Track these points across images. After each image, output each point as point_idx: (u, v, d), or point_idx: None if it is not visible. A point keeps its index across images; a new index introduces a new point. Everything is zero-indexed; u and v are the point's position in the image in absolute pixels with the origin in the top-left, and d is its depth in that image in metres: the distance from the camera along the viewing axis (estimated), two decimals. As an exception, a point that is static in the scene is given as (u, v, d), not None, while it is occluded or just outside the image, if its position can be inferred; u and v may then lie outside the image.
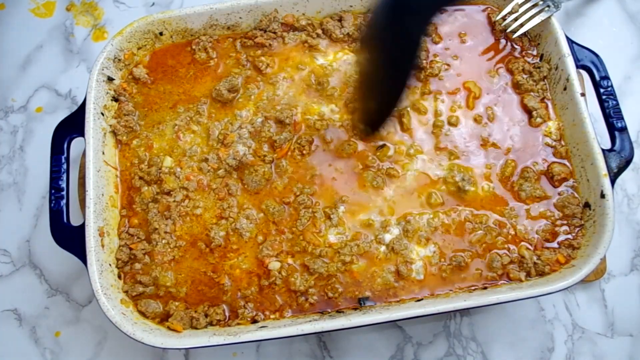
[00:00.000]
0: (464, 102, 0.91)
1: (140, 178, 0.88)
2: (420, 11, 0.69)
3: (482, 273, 0.83)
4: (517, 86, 0.92)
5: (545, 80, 0.91)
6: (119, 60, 0.92)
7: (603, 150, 0.82)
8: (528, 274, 0.82)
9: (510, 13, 0.93)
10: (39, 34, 1.14)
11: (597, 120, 0.87)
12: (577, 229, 0.84)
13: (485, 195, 0.86)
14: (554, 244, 0.84)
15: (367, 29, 0.74)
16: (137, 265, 0.83)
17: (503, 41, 0.95)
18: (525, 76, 0.91)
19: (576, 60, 0.86)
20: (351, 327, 0.75)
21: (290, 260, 0.84)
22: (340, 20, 0.95)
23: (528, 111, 0.90)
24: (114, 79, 0.91)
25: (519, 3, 0.92)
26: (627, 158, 0.82)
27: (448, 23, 0.96)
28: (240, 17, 0.94)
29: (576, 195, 0.85)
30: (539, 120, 0.89)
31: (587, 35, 1.10)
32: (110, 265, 0.82)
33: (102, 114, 0.88)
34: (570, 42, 0.88)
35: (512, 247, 0.84)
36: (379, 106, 0.81)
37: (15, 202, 1.03)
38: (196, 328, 0.80)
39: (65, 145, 0.85)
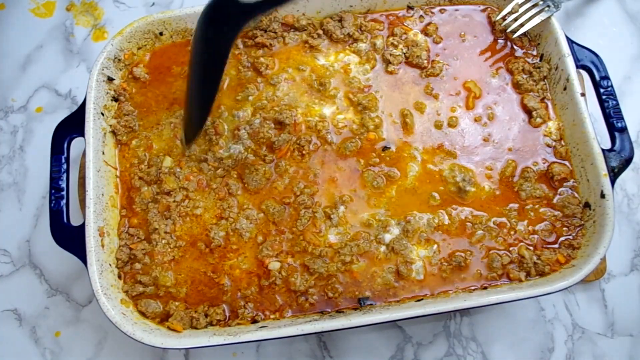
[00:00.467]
0: (464, 102, 0.92)
1: (140, 178, 0.88)
2: (230, 22, 0.72)
3: (482, 273, 0.83)
4: (517, 86, 0.92)
5: (545, 80, 0.91)
6: (119, 60, 0.92)
7: (603, 150, 0.82)
8: (528, 274, 0.82)
9: (510, 13, 0.93)
10: (39, 34, 1.14)
11: (597, 120, 0.87)
12: (577, 229, 0.84)
13: (486, 195, 0.86)
14: (554, 244, 0.84)
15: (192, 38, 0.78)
16: (137, 265, 0.83)
17: (503, 41, 0.95)
18: (525, 76, 0.91)
19: (576, 60, 0.87)
20: (351, 327, 0.75)
21: (290, 260, 0.84)
22: (340, 20, 0.95)
23: (528, 111, 0.90)
24: (114, 79, 0.91)
25: (519, 3, 0.92)
26: (627, 158, 0.82)
27: (448, 23, 0.96)
28: (240, 17, 0.94)
29: (576, 195, 0.85)
30: (539, 120, 0.89)
31: (587, 35, 1.10)
32: (110, 265, 0.82)
33: (102, 114, 0.88)
34: (570, 42, 0.88)
35: (512, 247, 0.84)
36: (190, 115, 0.84)
37: (15, 202, 1.03)
38: (196, 328, 0.80)
39: (65, 145, 0.85)
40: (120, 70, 0.93)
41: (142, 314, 0.81)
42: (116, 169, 0.89)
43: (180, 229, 0.86)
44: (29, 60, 1.13)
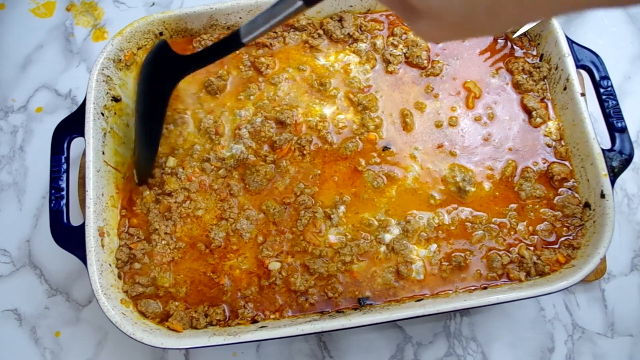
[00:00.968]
0: (464, 102, 0.92)
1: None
2: (169, 72, 0.81)
3: (482, 273, 0.83)
4: (517, 86, 0.92)
5: (545, 80, 0.91)
6: (120, 60, 0.92)
7: (603, 150, 0.82)
8: (528, 274, 0.82)
9: (510, 13, 0.93)
10: (39, 34, 1.14)
11: (597, 120, 0.87)
12: (577, 229, 0.84)
13: (486, 195, 0.86)
14: (554, 244, 0.84)
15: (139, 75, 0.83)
16: (137, 265, 0.83)
17: (503, 41, 0.95)
18: (525, 76, 0.91)
19: (576, 60, 0.87)
20: (351, 327, 0.75)
21: (290, 260, 0.84)
22: (340, 20, 0.95)
23: (528, 111, 0.90)
24: (114, 79, 0.91)
25: (519, 3, 0.92)
26: (627, 158, 0.82)
27: (448, 23, 0.96)
28: (240, 17, 0.94)
29: (576, 195, 0.85)
30: (539, 120, 0.89)
31: (587, 35, 1.10)
32: (110, 265, 0.82)
33: (102, 114, 0.88)
34: (570, 42, 0.88)
35: (512, 247, 0.84)
36: (139, 154, 0.86)
37: (15, 202, 1.03)
38: (196, 328, 0.80)
39: (65, 145, 0.85)
40: (120, 70, 0.93)
41: (142, 314, 0.81)
42: (116, 169, 0.89)
43: (181, 230, 0.86)
44: (29, 60, 1.13)
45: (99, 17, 1.16)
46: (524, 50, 0.94)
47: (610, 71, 0.85)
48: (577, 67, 0.86)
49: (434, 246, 0.84)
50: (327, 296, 0.82)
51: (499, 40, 0.95)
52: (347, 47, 0.95)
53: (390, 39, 0.95)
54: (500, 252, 0.83)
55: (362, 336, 0.93)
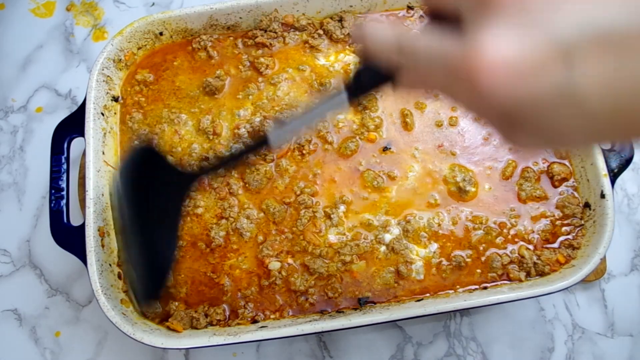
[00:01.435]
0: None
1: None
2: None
3: (482, 273, 0.83)
4: (517, 86, 0.91)
5: (545, 80, 0.91)
6: (120, 60, 0.92)
7: (603, 150, 0.82)
8: (528, 274, 0.82)
9: (510, 13, 0.93)
10: (39, 34, 1.14)
11: (597, 120, 0.87)
12: (577, 229, 0.84)
13: (486, 195, 0.86)
14: (554, 244, 0.84)
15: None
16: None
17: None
18: (525, 76, 0.91)
19: (576, 60, 0.86)
20: (351, 327, 0.75)
21: (290, 260, 0.84)
22: (340, 20, 0.95)
23: (528, 111, 0.90)
24: (114, 79, 0.91)
25: (519, 3, 0.92)
26: (627, 158, 0.82)
27: (448, 23, 0.96)
28: (240, 17, 0.94)
29: (576, 195, 0.85)
30: (539, 120, 0.89)
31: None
32: (110, 265, 0.82)
33: (102, 114, 0.88)
34: (570, 42, 0.87)
35: (512, 247, 0.84)
36: (141, 271, 0.70)
37: (15, 202, 1.03)
38: (196, 328, 0.80)
39: (65, 145, 0.85)
40: (121, 70, 0.93)
41: (143, 314, 0.81)
42: (116, 169, 0.89)
43: (181, 228, 0.85)
44: (29, 60, 1.13)
45: (99, 17, 1.15)
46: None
47: (610, 71, 0.85)
48: (577, 67, 0.86)
49: (434, 246, 0.84)
50: (327, 296, 0.82)
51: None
52: (347, 47, 0.95)
53: (390, 39, 0.95)
54: (500, 252, 0.83)
55: (362, 336, 0.93)
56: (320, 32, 0.95)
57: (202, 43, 0.94)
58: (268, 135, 0.60)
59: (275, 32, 0.95)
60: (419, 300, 0.81)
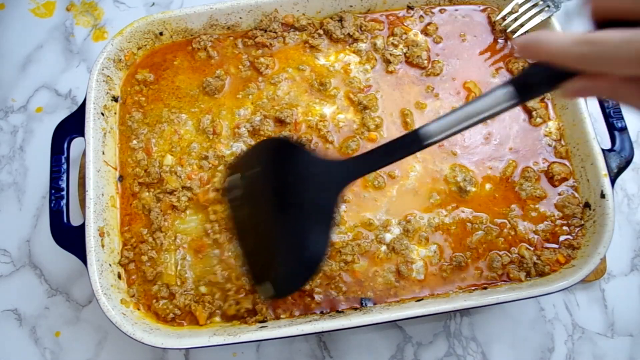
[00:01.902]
0: (464, 102, 0.92)
1: (140, 184, 0.88)
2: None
3: (482, 273, 0.83)
4: (517, 86, 0.92)
5: (546, 80, 0.91)
6: (120, 60, 0.92)
7: (603, 150, 0.82)
8: (528, 274, 0.82)
9: (510, 13, 0.93)
10: (39, 34, 1.14)
11: (597, 120, 0.87)
12: (577, 229, 0.84)
13: (486, 195, 0.86)
14: (554, 244, 0.84)
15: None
16: (142, 265, 0.84)
17: (503, 41, 0.95)
18: (525, 76, 0.91)
19: (576, 60, 0.86)
20: (351, 327, 0.75)
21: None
22: (340, 20, 0.95)
23: (528, 111, 0.90)
24: (114, 79, 0.91)
25: (519, 3, 0.93)
26: (627, 158, 0.82)
27: (448, 23, 0.96)
28: (240, 17, 0.94)
29: (576, 195, 0.85)
30: (539, 120, 0.89)
31: (587, 35, 1.10)
32: (110, 265, 0.82)
33: (102, 114, 0.88)
34: (571, 42, 0.87)
35: (512, 247, 0.84)
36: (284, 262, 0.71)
37: (15, 202, 1.03)
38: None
39: (65, 145, 0.85)
40: (121, 70, 0.93)
41: (155, 312, 0.82)
42: (116, 169, 0.89)
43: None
44: (29, 60, 1.13)
45: (99, 17, 1.15)
46: (524, 50, 0.94)
47: (610, 71, 0.85)
48: (577, 67, 0.86)
49: (434, 246, 0.84)
50: (330, 295, 0.82)
51: (499, 40, 0.95)
52: (347, 47, 0.95)
53: (391, 38, 0.95)
54: (501, 252, 0.83)
55: (362, 336, 0.93)
56: (320, 32, 0.95)
57: (202, 43, 0.94)
58: (420, 131, 0.58)
59: (275, 32, 0.95)
60: (419, 300, 0.81)
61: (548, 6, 0.90)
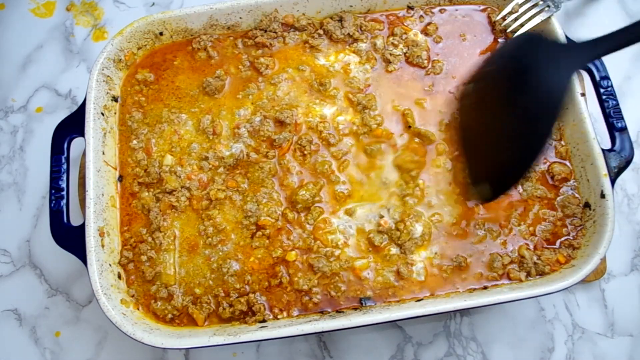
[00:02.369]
0: None
1: (140, 184, 0.88)
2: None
3: (483, 273, 0.83)
4: (517, 86, 0.91)
5: (546, 80, 0.91)
6: (120, 60, 0.92)
7: (603, 150, 0.82)
8: (528, 274, 0.82)
9: (510, 13, 0.93)
10: (39, 34, 1.14)
11: (597, 120, 0.87)
12: (578, 229, 0.84)
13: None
14: (554, 244, 0.84)
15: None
16: (141, 265, 0.83)
17: (503, 41, 0.94)
18: (525, 76, 0.91)
19: (576, 60, 0.86)
20: (351, 327, 0.75)
21: (295, 260, 0.84)
22: (340, 20, 0.95)
23: (528, 111, 0.90)
24: (114, 79, 0.91)
25: (519, 3, 0.92)
26: (627, 158, 0.82)
27: (448, 23, 0.96)
28: (240, 17, 0.94)
29: (576, 195, 0.85)
30: (539, 120, 0.89)
31: (587, 35, 1.09)
32: (110, 265, 0.82)
33: (102, 114, 0.88)
34: (571, 42, 0.87)
35: (512, 247, 0.84)
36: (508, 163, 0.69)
37: (15, 202, 1.03)
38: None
39: (65, 145, 0.85)
40: (121, 70, 0.93)
41: (154, 313, 0.82)
42: (116, 169, 0.89)
43: (181, 229, 0.86)
44: (29, 60, 1.13)
45: (99, 17, 1.15)
46: (524, 50, 0.94)
47: (610, 71, 0.85)
48: (577, 67, 0.86)
49: (435, 247, 0.84)
50: (329, 295, 0.82)
51: (499, 40, 0.95)
52: (347, 47, 0.95)
53: (391, 38, 0.95)
54: (501, 252, 0.83)
55: (362, 336, 0.93)
56: (320, 32, 0.95)
57: (202, 43, 0.94)
58: None
59: (275, 32, 0.95)
60: (419, 300, 0.81)
61: (548, 6, 0.90)
